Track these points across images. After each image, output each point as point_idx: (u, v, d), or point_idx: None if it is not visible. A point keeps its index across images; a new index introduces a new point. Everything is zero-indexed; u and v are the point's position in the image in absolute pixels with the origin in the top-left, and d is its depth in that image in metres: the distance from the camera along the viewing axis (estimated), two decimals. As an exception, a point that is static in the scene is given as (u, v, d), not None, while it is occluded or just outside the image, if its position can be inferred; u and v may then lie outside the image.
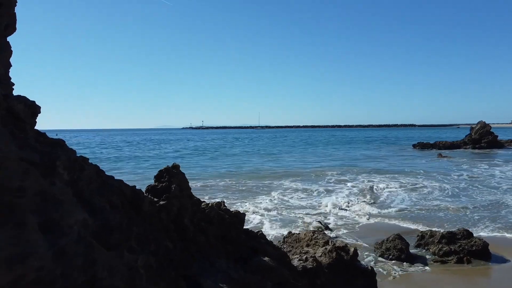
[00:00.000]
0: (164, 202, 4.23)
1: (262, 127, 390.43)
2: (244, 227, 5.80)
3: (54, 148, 3.88)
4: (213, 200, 5.94)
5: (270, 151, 48.70)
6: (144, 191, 4.65)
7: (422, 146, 51.33)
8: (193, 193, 4.94)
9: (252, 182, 21.60)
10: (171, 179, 4.46)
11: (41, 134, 4.30)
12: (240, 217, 5.62)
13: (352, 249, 7.57)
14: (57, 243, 2.53)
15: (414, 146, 52.77)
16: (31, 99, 4.49)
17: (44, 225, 2.72)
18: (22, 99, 3.98)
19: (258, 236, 5.74)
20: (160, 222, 4.11)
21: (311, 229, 10.26)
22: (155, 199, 4.29)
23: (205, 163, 33.33)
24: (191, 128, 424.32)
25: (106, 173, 4.14)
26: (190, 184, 4.91)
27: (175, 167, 4.60)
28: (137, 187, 4.37)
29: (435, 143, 51.52)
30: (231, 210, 5.76)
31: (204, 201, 5.46)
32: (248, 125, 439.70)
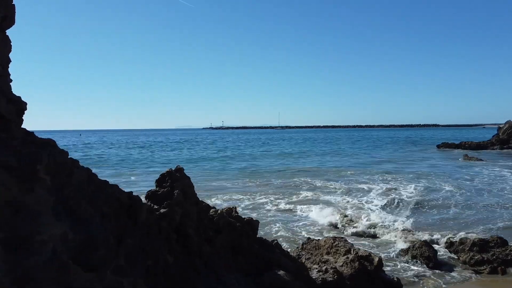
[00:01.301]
0: (165, 209, 3.77)
1: (282, 127, 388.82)
2: (262, 231, 5.33)
3: (42, 149, 3.47)
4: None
5: (296, 152, 48.43)
6: (145, 197, 4.21)
7: (447, 146, 49.79)
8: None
9: (278, 182, 21.36)
10: (174, 184, 4.00)
11: (29, 134, 3.88)
12: (253, 224, 5.13)
13: (376, 259, 6.99)
14: (21, 265, 2.09)
15: (438, 146, 51.22)
16: (17, 95, 4.11)
17: (10, 242, 2.29)
18: (5, 95, 3.59)
19: (273, 246, 5.24)
20: (160, 232, 3.65)
21: (331, 235, 9.70)
22: (156, 207, 3.84)
23: (235, 164, 32.97)
24: (211, 128, 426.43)
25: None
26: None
27: (179, 170, 4.14)
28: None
29: (461, 143, 49.85)
30: (243, 217, 5.27)
31: (213, 207, 5.00)
32: (268, 125, 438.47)
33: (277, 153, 46.68)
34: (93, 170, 3.69)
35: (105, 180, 3.53)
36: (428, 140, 76.54)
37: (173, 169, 4.20)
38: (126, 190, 3.77)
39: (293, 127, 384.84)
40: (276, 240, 5.71)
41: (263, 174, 25.54)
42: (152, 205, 3.88)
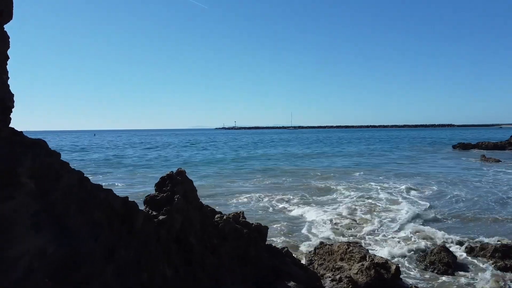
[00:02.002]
0: (164, 216, 3.45)
1: (294, 127, 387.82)
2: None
3: (28, 150, 3.18)
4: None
5: (309, 152, 48.13)
6: (143, 202, 3.90)
7: (463, 147, 48.64)
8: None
9: (290, 183, 21.00)
10: (175, 188, 3.68)
11: (18, 134, 3.61)
12: (262, 231, 4.79)
13: (393, 266, 6.59)
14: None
15: (454, 147, 50.12)
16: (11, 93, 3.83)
17: (-23, 258, 2.01)
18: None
19: (283, 254, 4.88)
20: (159, 241, 3.33)
21: (344, 239, 9.29)
22: (154, 213, 3.52)
23: (249, 165, 32.67)
24: (224, 128, 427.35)
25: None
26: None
27: (180, 173, 3.81)
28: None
29: (477, 143, 48.67)
30: (251, 222, 4.93)
31: (219, 212, 4.67)
32: (281, 125, 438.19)
33: (290, 154, 46.33)
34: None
35: (98, 184, 3.22)
36: (444, 140, 75.24)
37: (174, 171, 3.88)
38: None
39: (305, 127, 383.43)
40: (287, 247, 5.36)
41: (276, 175, 25.25)
42: (150, 211, 3.56)
